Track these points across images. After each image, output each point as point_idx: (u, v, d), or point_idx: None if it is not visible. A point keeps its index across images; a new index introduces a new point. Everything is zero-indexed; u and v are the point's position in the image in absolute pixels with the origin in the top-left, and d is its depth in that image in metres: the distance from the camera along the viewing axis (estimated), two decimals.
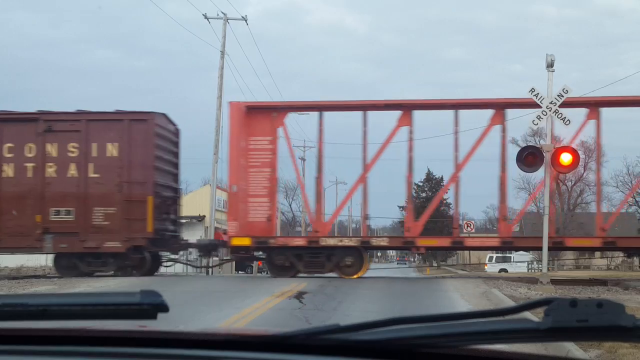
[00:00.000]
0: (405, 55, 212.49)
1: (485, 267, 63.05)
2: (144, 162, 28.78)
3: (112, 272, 29.07)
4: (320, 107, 30.82)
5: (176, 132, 31.86)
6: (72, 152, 28.89)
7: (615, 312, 1.94)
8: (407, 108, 29.42)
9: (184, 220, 50.95)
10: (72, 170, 28.85)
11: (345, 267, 28.41)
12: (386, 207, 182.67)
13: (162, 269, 32.18)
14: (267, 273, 34.03)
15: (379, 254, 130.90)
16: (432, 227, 63.95)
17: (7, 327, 2.27)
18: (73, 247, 28.56)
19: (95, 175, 28.78)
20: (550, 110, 24.58)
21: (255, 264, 44.79)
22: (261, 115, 29.63)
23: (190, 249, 34.46)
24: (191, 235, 38.07)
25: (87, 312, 2.26)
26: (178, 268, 34.95)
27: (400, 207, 60.38)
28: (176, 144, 31.86)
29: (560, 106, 24.79)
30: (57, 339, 2.26)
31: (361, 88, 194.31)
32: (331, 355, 2.13)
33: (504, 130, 28.93)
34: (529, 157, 25.88)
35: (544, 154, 25.28)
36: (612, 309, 1.94)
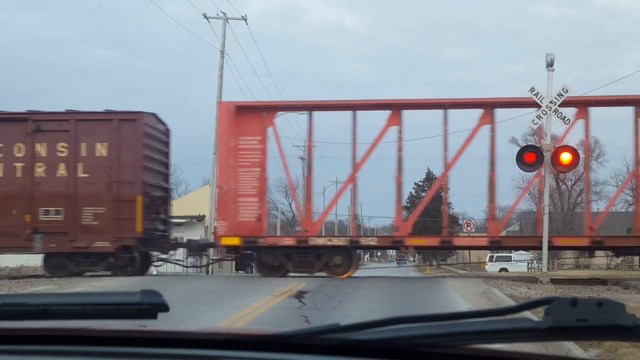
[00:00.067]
0: (405, 55, 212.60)
1: (486, 266, 63.23)
2: (133, 161, 28.73)
3: (102, 272, 29.02)
4: (310, 107, 30.82)
5: (166, 132, 31.80)
6: (62, 152, 28.83)
7: (615, 312, 1.95)
8: (396, 108, 29.45)
9: (183, 220, 51.13)
10: (62, 170, 28.79)
11: (334, 266, 28.40)
12: (386, 207, 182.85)
13: (162, 269, 32.14)
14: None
15: (379, 253, 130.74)
16: (433, 226, 64.13)
17: (7, 326, 2.26)
18: (62, 246, 28.51)
19: (85, 175, 28.71)
20: (550, 110, 24.62)
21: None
22: (251, 115, 29.61)
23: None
24: (191, 235, 38.05)
25: (87, 312, 2.26)
26: (178, 268, 34.97)
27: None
28: (166, 144, 31.81)
29: None
30: (57, 338, 2.26)
31: (361, 88, 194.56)
32: (331, 355, 2.13)
33: (493, 130, 28.98)
34: (529, 157, 25.87)
35: (544, 154, 25.29)
36: (612, 308, 1.95)
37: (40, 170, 28.84)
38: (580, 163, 28.57)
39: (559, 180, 73.01)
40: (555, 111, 24.71)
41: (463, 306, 18.67)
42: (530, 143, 44.31)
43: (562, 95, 24.73)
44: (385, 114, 29.40)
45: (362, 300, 19.73)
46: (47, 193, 28.70)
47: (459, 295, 21.20)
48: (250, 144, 29.42)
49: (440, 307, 18.35)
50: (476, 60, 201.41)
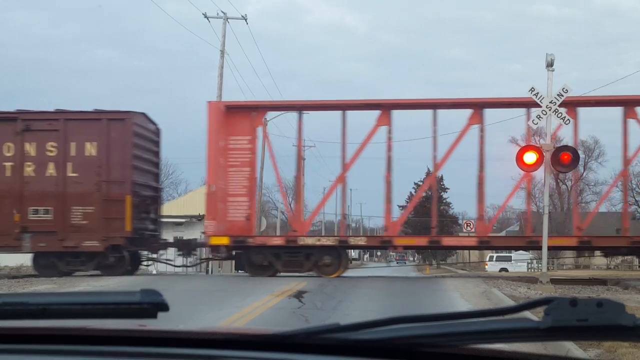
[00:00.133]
0: (405, 55, 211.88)
1: (486, 266, 63.32)
2: (122, 161, 28.69)
3: (91, 271, 28.95)
4: (299, 107, 30.87)
5: (157, 132, 31.76)
6: (51, 151, 28.77)
7: (615, 312, 1.95)
8: (385, 108, 29.50)
9: (183, 220, 51.04)
10: (51, 170, 28.73)
11: (323, 266, 28.41)
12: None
13: (162, 269, 32.07)
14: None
15: (379, 253, 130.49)
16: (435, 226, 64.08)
17: (7, 326, 2.26)
18: (52, 246, 28.45)
19: (74, 175, 28.66)
20: (550, 110, 24.63)
21: None
22: (240, 115, 29.61)
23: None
24: (191, 235, 37.95)
25: (87, 311, 2.26)
26: (178, 268, 34.97)
27: (400, 206, 60.46)
28: (157, 143, 31.76)
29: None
30: (57, 338, 2.26)
31: (361, 87, 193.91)
32: (331, 355, 2.13)
33: (482, 130, 29.04)
34: (529, 157, 25.86)
35: (544, 154, 25.30)
36: (612, 308, 1.96)
37: (29, 169, 28.78)
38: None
39: (558, 180, 72.97)
40: (555, 111, 24.73)
41: (463, 306, 18.69)
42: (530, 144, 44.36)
43: (562, 96, 24.71)
44: (376, 113, 29.45)
45: (362, 300, 19.76)
46: (36, 192, 28.64)
47: (458, 295, 21.21)
48: (240, 144, 29.42)
49: (440, 307, 18.37)
50: (476, 60, 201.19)
